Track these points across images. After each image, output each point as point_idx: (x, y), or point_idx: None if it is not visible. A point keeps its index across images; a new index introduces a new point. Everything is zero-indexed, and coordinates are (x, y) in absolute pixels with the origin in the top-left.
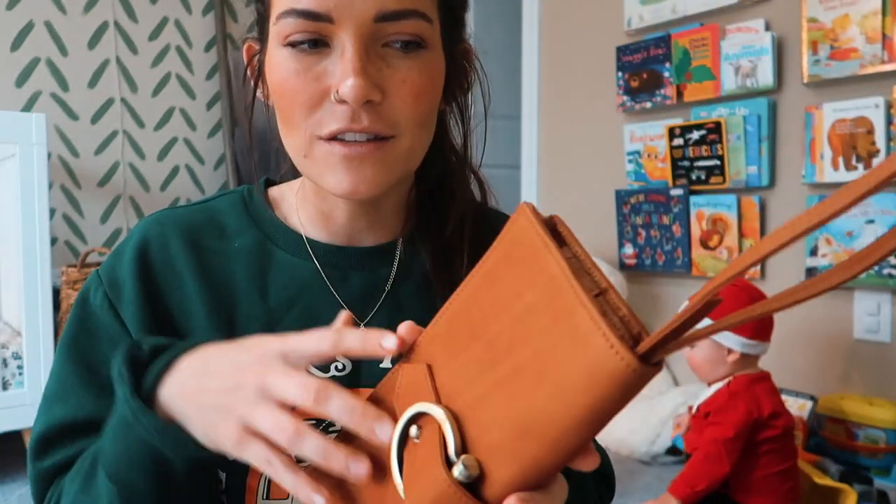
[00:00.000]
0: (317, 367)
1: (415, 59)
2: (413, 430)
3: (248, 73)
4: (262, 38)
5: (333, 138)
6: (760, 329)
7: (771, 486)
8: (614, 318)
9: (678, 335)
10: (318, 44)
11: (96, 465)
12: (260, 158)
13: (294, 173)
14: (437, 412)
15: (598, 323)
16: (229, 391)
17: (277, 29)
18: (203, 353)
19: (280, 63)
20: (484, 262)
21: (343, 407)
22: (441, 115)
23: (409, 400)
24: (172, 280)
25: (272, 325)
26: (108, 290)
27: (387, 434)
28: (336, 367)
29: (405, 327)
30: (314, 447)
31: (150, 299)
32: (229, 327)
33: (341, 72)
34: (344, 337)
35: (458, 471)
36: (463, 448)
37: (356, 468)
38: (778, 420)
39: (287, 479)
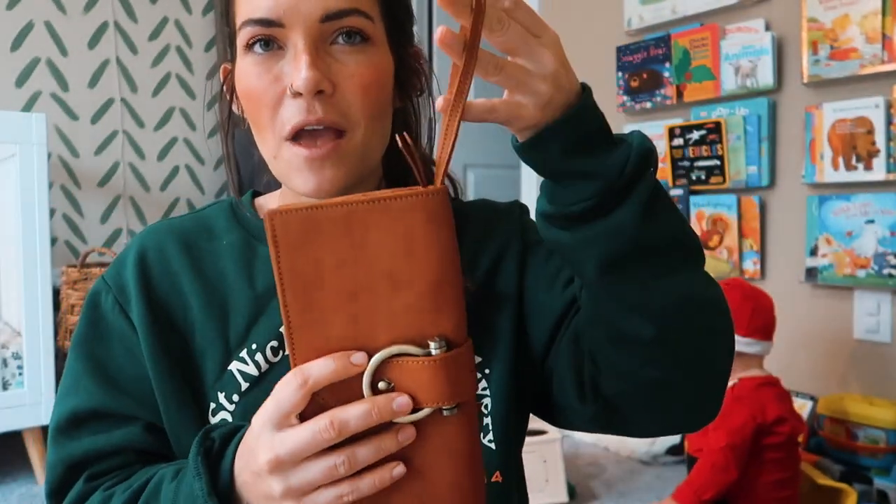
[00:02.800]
0: (265, 356)
1: (361, 52)
2: (381, 385)
3: (224, 90)
4: (233, 56)
5: (296, 139)
6: None
7: (767, 494)
8: (397, 192)
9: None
10: (272, 45)
11: None
12: (243, 170)
13: (276, 183)
14: (391, 351)
15: (404, 197)
16: (260, 483)
17: (240, 39)
18: (243, 442)
19: (245, 70)
20: (279, 270)
21: (362, 416)
22: (403, 117)
23: (340, 387)
24: (170, 280)
25: (260, 308)
26: (116, 294)
27: (407, 404)
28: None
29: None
30: (369, 472)
31: (152, 299)
32: (223, 316)
33: (295, 68)
34: (309, 372)
35: (434, 349)
36: (423, 346)
37: (404, 434)
38: (782, 426)
39: (365, 485)
